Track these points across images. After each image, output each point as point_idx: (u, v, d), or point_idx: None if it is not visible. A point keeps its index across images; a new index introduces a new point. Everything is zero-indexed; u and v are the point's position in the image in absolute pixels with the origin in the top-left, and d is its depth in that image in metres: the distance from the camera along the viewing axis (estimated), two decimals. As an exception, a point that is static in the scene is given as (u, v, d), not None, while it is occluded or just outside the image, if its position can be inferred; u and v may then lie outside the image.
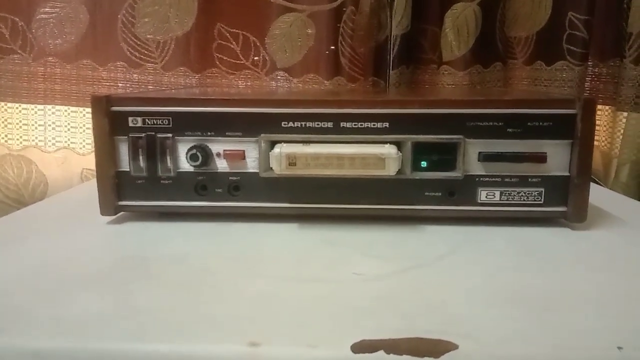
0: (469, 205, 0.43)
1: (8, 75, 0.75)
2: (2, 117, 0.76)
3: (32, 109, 0.76)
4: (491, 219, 0.43)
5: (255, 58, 0.75)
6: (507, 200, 0.42)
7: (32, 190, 0.78)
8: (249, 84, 0.76)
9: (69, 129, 0.77)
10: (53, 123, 0.77)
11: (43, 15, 0.74)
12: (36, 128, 0.77)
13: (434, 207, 0.43)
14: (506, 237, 0.41)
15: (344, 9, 0.73)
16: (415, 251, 0.38)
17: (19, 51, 0.75)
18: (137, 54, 0.75)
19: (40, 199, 0.77)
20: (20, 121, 0.76)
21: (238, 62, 0.76)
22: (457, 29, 0.72)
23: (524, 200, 0.42)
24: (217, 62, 0.75)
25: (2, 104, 0.76)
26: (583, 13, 0.72)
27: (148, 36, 0.74)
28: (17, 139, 0.77)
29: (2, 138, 0.77)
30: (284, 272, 0.34)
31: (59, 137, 0.77)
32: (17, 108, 0.76)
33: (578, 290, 0.32)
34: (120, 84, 0.75)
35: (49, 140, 0.77)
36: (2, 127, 0.77)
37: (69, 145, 0.77)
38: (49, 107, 0.76)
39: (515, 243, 0.40)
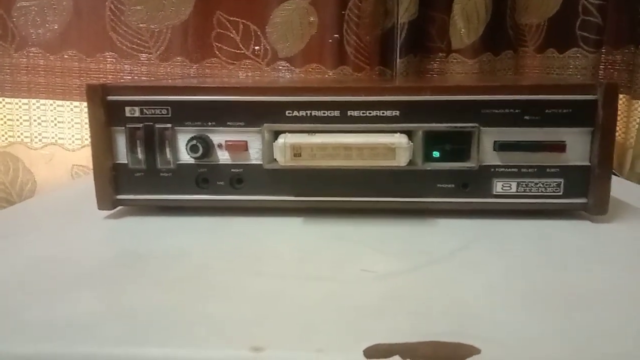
0: (484, 197, 0.40)
1: (-11, 68, 0.72)
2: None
3: (17, 103, 0.73)
4: (507, 212, 0.41)
5: (256, 47, 0.73)
6: (524, 191, 0.40)
7: (20, 189, 0.76)
8: (249, 74, 0.74)
9: (55, 124, 0.74)
10: (39, 118, 0.74)
11: (24, 3, 0.71)
12: (21, 123, 0.74)
13: (447, 199, 0.41)
14: (524, 231, 0.39)
15: (350, -5, 0.71)
16: (427, 246, 0.36)
17: None
18: (128, 44, 0.72)
19: (28, 198, 0.74)
20: (5, 116, 0.74)
21: (238, 51, 0.73)
22: (467, 16, 0.70)
23: (542, 191, 0.40)
24: (217, 52, 0.73)
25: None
26: (597, -2, 0.69)
27: (141, 25, 0.71)
28: (2, 135, 0.74)
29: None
30: (288, 269, 0.32)
31: (45, 132, 0.74)
32: (0, 102, 0.73)
33: (605, 287, 0.30)
34: (110, 76, 0.72)
35: (35, 137, 0.74)
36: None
37: (56, 141, 0.74)
38: (34, 101, 0.73)
39: (534, 237, 0.38)
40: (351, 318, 0.26)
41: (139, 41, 0.72)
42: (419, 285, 0.30)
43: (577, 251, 0.35)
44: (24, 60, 0.72)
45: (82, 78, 0.73)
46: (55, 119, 0.74)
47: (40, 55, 0.72)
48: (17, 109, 0.73)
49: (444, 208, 0.41)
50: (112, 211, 0.43)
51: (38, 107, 0.74)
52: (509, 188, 0.40)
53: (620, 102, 0.73)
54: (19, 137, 0.74)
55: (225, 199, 0.42)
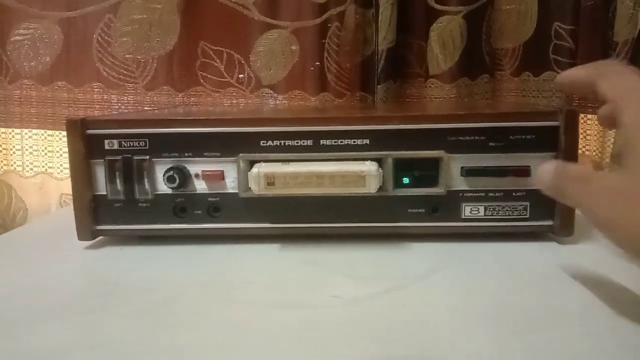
0: (452, 221, 0.42)
1: (-15, 100, 0.74)
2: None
3: (10, 133, 0.75)
4: (476, 235, 0.42)
5: (240, 76, 0.75)
6: (491, 215, 0.42)
7: (13, 216, 0.77)
8: (234, 102, 0.75)
9: (46, 153, 0.76)
10: (30, 147, 0.76)
11: (17, 37, 0.72)
12: (14, 152, 0.76)
13: (417, 224, 0.42)
14: (492, 254, 0.40)
15: (329, 24, 0.73)
16: (397, 270, 0.37)
17: None
18: (114, 74, 0.73)
19: (21, 225, 0.75)
20: (0, 145, 0.76)
21: (222, 80, 0.75)
22: (443, 42, 0.72)
23: (509, 215, 0.41)
24: (202, 81, 0.74)
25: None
26: (568, 23, 0.72)
27: (127, 56, 0.73)
28: None
29: (-15, 163, 0.76)
30: (260, 296, 0.33)
31: (36, 161, 0.76)
32: None
33: (568, 309, 0.31)
34: (97, 106, 0.74)
35: (27, 165, 0.76)
36: (-16, 152, 0.76)
37: (46, 170, 0.76)
38: (26, 130, 0.75)
39: (502, 259, 0.39)
40: (315, 345, 0.27)
41: (125, 71, 0.74)
42: (385, 310, 0.31)
43: (543, 273, 0.37)
44: (17, 91, 0.74)
45: (70, 108, 0.74)
46: (45, 148, 0.76)
47: (32, 86, 0.74)
48: (10, 139, 0.75)
49: (415, 232, 0.42)
50: (92, 242, 0.43)
51: (30, 137, 0.75)
52: (477, 212, 0.42)
53: (595, 122, 0.75)
54: (12, 165, 0.76)
55: (202, 227, 0.43)
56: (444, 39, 0.72)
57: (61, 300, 0.33)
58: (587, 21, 0.73)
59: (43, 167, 0.76)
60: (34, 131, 0.75)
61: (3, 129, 0.75)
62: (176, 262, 0.40)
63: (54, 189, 0.76)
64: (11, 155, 0.75)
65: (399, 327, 0.29)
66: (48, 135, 0.75)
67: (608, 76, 0.31)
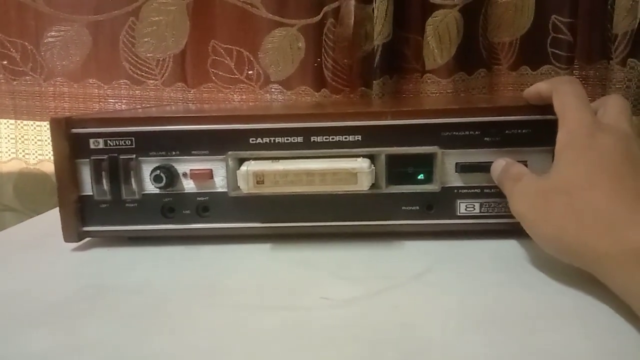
0: (447, 218, 0.41)
1: (22, 95, 0.80)
2: (19, 134, 0.81)
3: (45, 126, 0.80)
4: (472, 232, 0.41)
5: (250, 72, 0.76)
6: (487, 212, 0.40)
7: (48, 200, 0.80)
8: (244, 97, 0.77)
9: None
10: None
11: (50, 39, 0.78)
12: (49, 144, 0.80)
13: (411, 221, 0.41)
14: (488, 251, 0.39)
15: (325, 21, 0.72)
16: (390, 270, 0.36)
17: (30, 73, 0.80)
18: (138, 72, 0.78)
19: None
20: (35, 137, 0.81)
21: (233, 76, 0.76)
22: (439, 37, 0.71)
23: (505, 211, 0.40)
24: (213, 77, 0.77)
25: (19, 121, 0.81)
26: (566, 16, 0.70)
27: (148, 55, 0.77)
28: (33, 154, 0.82)
29: (20, 153, 0.81)
30: (248, 298, 0.32)
31: None
32: (31, 125, 0.81)
33: (566, 309, 0.30)
34: (124, 100, 0.78)
35: None
36: (20, 143, 0.81)
37: None
38: None
39: (498, 257, 0.38)
40: (302, 348, 0.26)
41: (146, 69, 0.77)
42: (376, 312, 0.30)
43: (540, 271, 0.35)
44: (51, 88, 0.79)
45: (101, 103, 0.79)
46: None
47: (65, 83, 0.79)
48: (45, 131, 0.80)
49: (410, 230, 0.41)
50: (79, 243, 0.42)
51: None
52: (472, 209, 0.40)
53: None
54: (46, 155, 0.81)
55: (191, 227, 0.42)
56: (440, 33, 0.70)
57: (44, 304, 0.32)
58: (586, 13, 0.71)
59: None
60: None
61: (38, 122, 0.81)
62: (164, 264, 0.39)
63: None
64: (46, 146, 0.81)
65: (389, 330, 0.28)
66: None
67: (558, 92, 0.35)
